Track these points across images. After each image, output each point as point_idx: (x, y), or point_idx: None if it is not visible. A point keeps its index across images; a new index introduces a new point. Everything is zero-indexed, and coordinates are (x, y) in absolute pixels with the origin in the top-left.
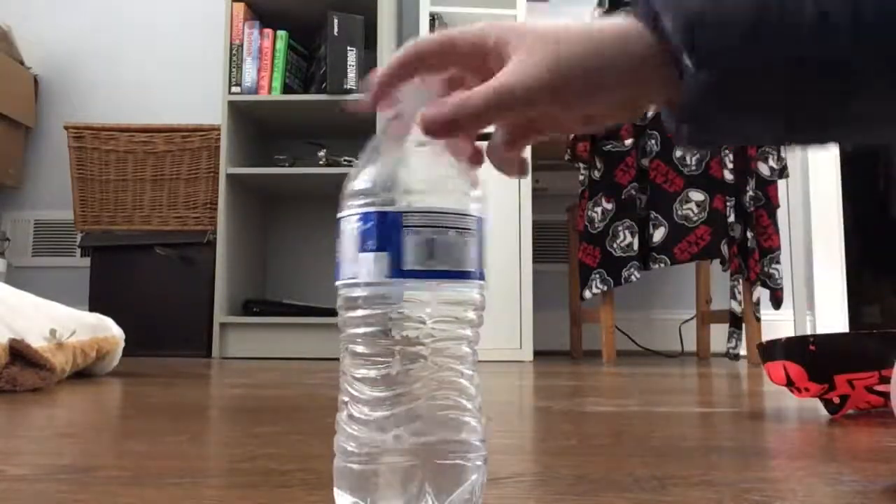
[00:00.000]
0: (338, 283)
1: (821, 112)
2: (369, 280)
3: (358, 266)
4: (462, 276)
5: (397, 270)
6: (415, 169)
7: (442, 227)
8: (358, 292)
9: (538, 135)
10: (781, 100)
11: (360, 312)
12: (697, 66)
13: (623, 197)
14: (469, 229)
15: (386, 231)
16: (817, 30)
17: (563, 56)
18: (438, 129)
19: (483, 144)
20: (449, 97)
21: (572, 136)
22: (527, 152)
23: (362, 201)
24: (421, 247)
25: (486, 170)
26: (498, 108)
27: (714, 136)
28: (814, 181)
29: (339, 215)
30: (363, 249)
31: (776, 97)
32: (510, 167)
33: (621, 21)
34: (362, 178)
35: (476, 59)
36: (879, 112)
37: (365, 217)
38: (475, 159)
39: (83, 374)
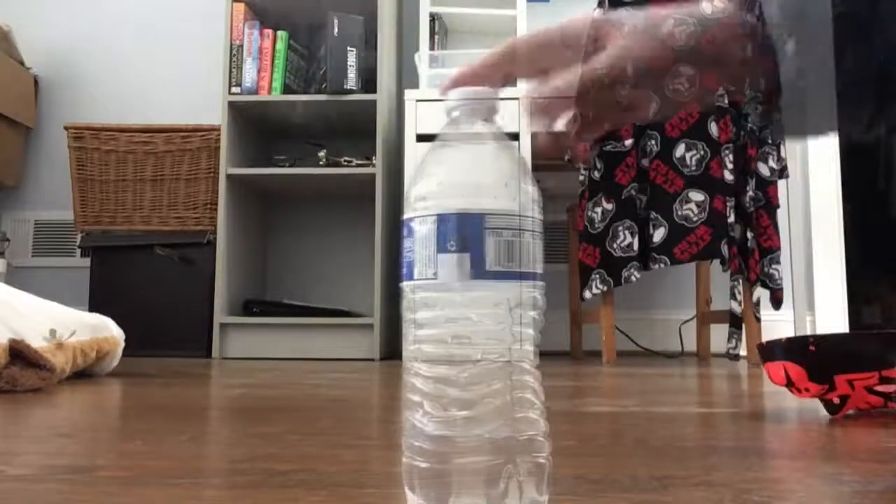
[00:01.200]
0: (411, 282)
1: None
2: (449, 280)
3: (437, 267)
4: (534, 276)
5: (480, 271)
6: (483, 169)
7: (518, 229)
8: (435, 292)
9: (616, 121)
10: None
11: (435, 313)
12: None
13: (623, 197)
14: (538, 231)
15: (467, 232)
16: None
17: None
18: (548, 103)
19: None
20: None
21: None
22: (527, 154)
23: (435, 202)
24: (501, 248)
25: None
26: (603, 80)
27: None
28: (814, 181)
29: (408, 216)
30: (443, 251)
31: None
32: (583, 156)
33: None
34: (433, 178)
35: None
36: None
37: (443, 218)
38: (585, 153)
39: (83, 374)
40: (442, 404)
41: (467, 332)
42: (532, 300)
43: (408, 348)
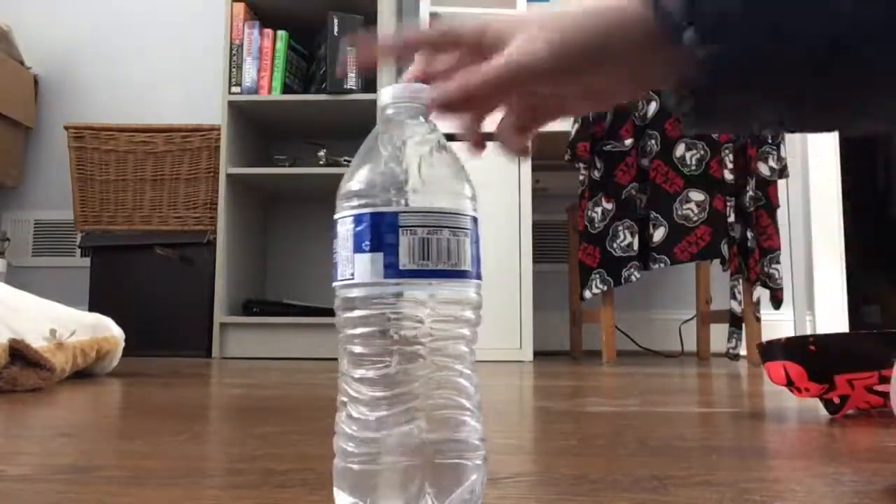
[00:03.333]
0: (335, 283)
1: (826, 92)
2: (365, 280)
3: (354, 266)
4: (458, 275)
5: (393, 270)
6: (409, 168)
7: (437, 226)
8: (355, 292)
9: (547, 118)
10: (789, 77)
11: (357, 313)
12: (701, 40)
13: (623, 197)
14: (464, 228)
15: (381, 232)
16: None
17: (565, 35)
18: (452, 101)
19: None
20: (457, 75)
21: (572, 135)
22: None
23: (356, 202)
24: (416, 246)
25: (487, 171)
26: (509, 80)
27: (717, 116)
28: (814, 181)
29: (335, 216)
30: (358, 250)
31: (783, 73)
32: (516, 150)
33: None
34: (357, 178)
35: (476, 48)
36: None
37: (359, 218)
38: (479, 145)
39: (83, 374)
40: (363, 405)
41: (389, 331)
42: (460, 298)
43: (339, 350)
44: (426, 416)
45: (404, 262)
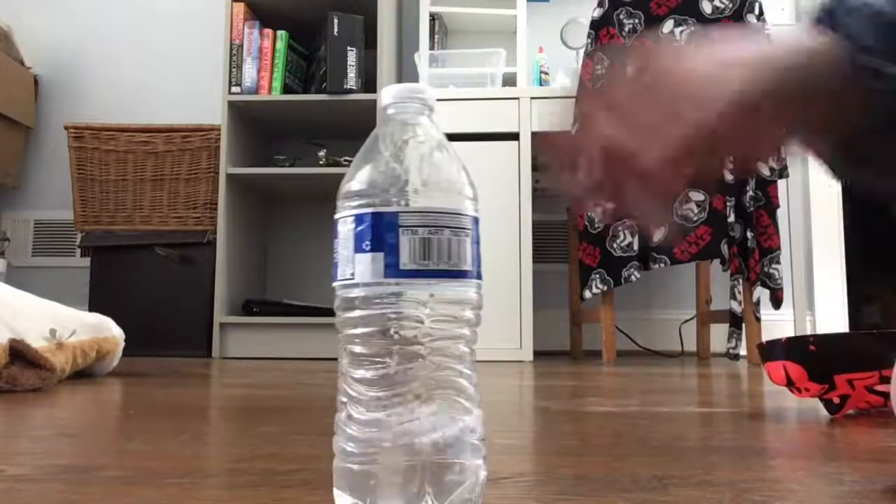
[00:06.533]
0: (335, 283)
1: None
2: (366, 280)
3: (354, 266)
4: (459, 275)
5: (393, 270)
6: (410, 168)
7: (437, 226)
8: (355, 292)
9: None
10: None
11: (357, 313)
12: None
13: None
14: (465, 228)
15: (381, 231)
16: None
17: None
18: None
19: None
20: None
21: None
22: (527, 152)
23: (357, 202)
24: (416, 247)
25: (487, 171)
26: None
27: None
28: (814, 181)
29: (335, 216)
30: (359, 250)
31: None
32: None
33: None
34: (357, 178)
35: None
36: None
37: (360, 218)
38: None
39: (83, 374)
40: (362, 405)
41: (389, 331)
42: (460, 298)
43: (339, 350)
44: (426, 417)
45: (405, 261)
